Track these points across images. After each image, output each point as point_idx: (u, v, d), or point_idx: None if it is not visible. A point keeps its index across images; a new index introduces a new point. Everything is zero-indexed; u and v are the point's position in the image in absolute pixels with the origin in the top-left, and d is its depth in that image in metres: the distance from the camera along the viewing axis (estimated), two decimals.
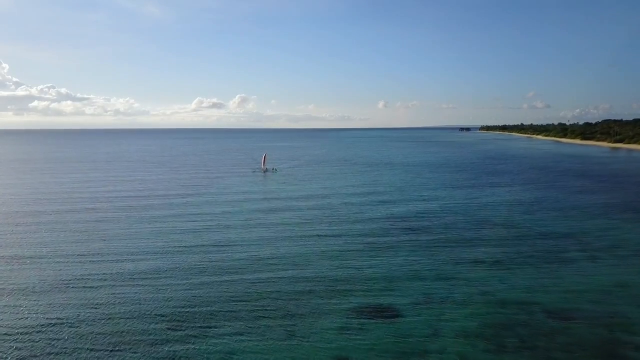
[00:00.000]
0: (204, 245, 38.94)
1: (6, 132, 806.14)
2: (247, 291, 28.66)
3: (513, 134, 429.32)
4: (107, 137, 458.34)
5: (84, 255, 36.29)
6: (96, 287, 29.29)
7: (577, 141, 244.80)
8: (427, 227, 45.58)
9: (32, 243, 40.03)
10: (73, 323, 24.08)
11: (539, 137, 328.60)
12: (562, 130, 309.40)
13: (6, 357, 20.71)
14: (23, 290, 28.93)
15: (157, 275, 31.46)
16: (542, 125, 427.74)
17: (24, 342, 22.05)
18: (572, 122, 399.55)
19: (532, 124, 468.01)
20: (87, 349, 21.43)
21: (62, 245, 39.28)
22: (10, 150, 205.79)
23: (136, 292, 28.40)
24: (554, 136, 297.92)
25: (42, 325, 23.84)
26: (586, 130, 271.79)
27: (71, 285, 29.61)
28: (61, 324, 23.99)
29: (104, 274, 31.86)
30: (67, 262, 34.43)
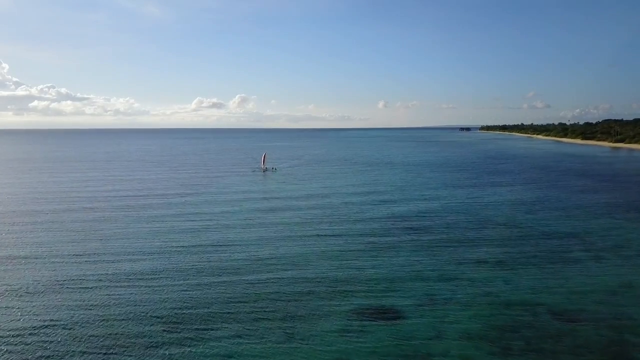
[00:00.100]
0: (202, 245, 38.37)
1: (6, 132, 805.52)
2: (245, 292, 28.09)
3: (513, 133, 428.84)
4: (107, 137, 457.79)
5: (80, 255, 35.72)
6: (91, 288, 28.70)
7: (578, 141, 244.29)
8: (428, 227, 45.02)
9: (27, 243, 39.45)
10: (67, 325, 23.49)
11: (539, 137, 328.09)
12: (563, 130, 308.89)
13: None
14: (16, 291, 28.35)
15: (154, 276, 30.87)
16: (542, 125, 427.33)
17: (16, 345, 21.46)
18: (572, 122, 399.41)
19: (532, 123, 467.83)
20: (81, 351, 20.85)
21: (58, 245, 38.71)
22: (9, 150, 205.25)
23: (132, 293, 27.82)
24: (555, 136, 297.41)
25: (35, 328, 23.25)
26: (587, 130, 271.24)
27: (66, 286, 29.03)
28: (54, 325, 23.40)
29: (100, 274, 31.27)
30: (62, 263, 33.86)
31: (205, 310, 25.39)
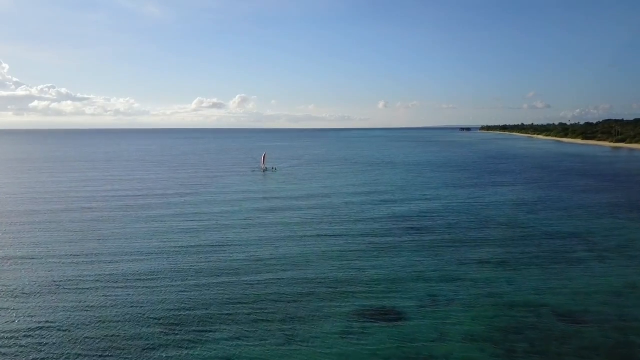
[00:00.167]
0: (201, 246, 37.94)
1: (6, 132, 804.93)
2: (245, 293, 27.65)
3: (513, 133, 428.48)
4: (106, 137, 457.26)
5: (77, 255, 35.26)
6: (88, 289, 28.25)
7: (578, 141, 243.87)
8: (430, 227, 44.60)
9: (24, 243, 39.00)
10: (62, 326, 23.05)
11: (540, 136, 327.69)
12: (563, 129, 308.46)
13: None
14: (12, 291, 27.90)
15: (152, 277, 30.44)
16: (542, 125, 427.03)
17: (10, 347, 21.02)
18: (572, 122, 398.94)
19: (532, 123, 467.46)
20: (76, 354, 20.42)
21: (55, 245, 38.26)
22: (9, 150, 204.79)
23: (129, 294, 27.39)
24: (555, 136, 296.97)
25: (29, 329, 22.80)
26: (587, 130, 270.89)
27: (62, 287, 28.57)
28: (50, 327, 22.96)
29: (97, 274, 30.84)
30: (59, 263, 33.40)
31: (204, 311, 24.97)
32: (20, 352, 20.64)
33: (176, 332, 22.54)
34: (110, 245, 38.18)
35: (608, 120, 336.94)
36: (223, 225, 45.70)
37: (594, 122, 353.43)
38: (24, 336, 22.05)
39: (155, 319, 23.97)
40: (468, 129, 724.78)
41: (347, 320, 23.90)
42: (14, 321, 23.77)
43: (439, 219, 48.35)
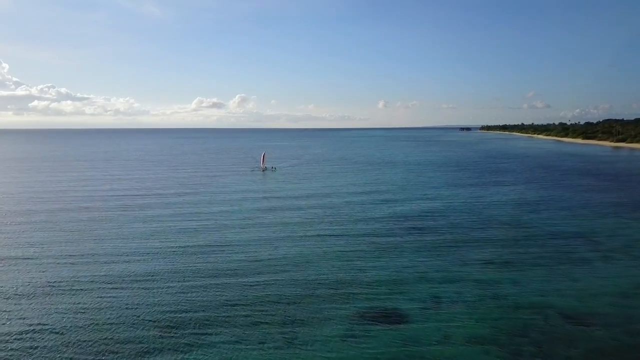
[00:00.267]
0: (199, 246, 37.30)
1: (6, 132, 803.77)
2: (244, 294, 27.02)
3: (514, 133, 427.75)
4: (106, 136, 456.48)
5: (73, 256, 34.60)
6: (83, 290, 27.59)
7: (579, 140, 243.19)
8: (432, 227, 43.99)
9: (20, 243, 38.33)
10: (56, 329, 22.40)
11: (540, 136, 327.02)
12: (564, 129, 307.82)
13: None
14: (4, 293, 27.21)
15: (149, 278, 29.79)
16: (543, 125, 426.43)
17: (0, 351, 20.36)
18: (572, 122, 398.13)
19: (532, 123, 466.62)
20: (69, 357, 19.78)
21: (50, 245, 37.60)
22: (8, 150, 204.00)
23: (126, 296, 26.74)
24: (555, 136, 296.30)
25: (22, 332, 22.13)
26: (588, 130, 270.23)
27: (56, 288, 27.90)
28: (43, 330, 22.30)
29: (92, 275, 30.18)
30: (54, 264, 32.75)
31: (202, 313, 24.33)
32: (11, 356, 19.99)
33: (173, 335, 21.92)
34: (106, 245, 37.54)
35: (608, 120, 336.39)
36: (222, 225, 45.08)
37: (594, 122, 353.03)
38: (16, 339, 21.38)
39: (152, 321, 23.34)
40: (468, 129, 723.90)
41: (349, 323, 23.30)
42: (5, 324, 23.10)
43: (440, 218, 47.74)
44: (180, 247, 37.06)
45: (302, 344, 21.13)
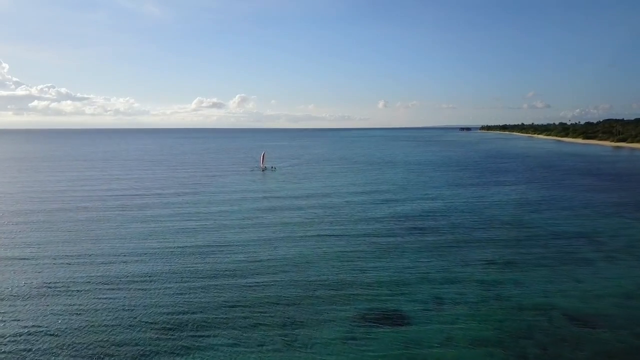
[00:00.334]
0: (198, 246, 36.84)
1: (6, 132, 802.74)
2: (243, 296, 26.56)
3: (514, 133, 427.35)
4: (106, 136, 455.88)
5: (71, 256, 34.12)
6: (80, 291, 27.11)
7: (579, 140, 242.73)
8: (433, 227, 43.55)
9: (16, 243, 37.85)
10: (51, 331, 21.94)
11: (540, 136, 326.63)
12: (564, 129, 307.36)
13: None
14: None
15: (146, 279, 29.32)
16: (543, 125, 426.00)
17: None
18: (572, 122, 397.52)
19: (533, 123, 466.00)
20: None
21: (47, 245, 37.11)
22: (8, 149, 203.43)
23: (123, 297, 26.27)
24: (556, 135, 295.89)
25: (16, 334, 21.65)
26: (588, 130, 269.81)
27: (53, 289, 27.43)
28: (38, 332, 21.82)
29: (89, 276, 29.70)
30: (50, 264, 32.24)
31: (200, 315, 23.89)
32: (5, 359, 19.54)
33: (170, 337, 21.47)
34: (104, 246, 37.07)
35: (609, 120, 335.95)
36: (221, 225, 44.63)
37: (594, 122, 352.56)
38: (10, 342, 20.91)
39: (149, 323, 22.88)
40: (468, 129, 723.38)
41: (350, 325, 22.87)
42: None
43: (442, 218, 47.31)
44: (178, 247, 36.62)
45: (302, 347, 20.70)
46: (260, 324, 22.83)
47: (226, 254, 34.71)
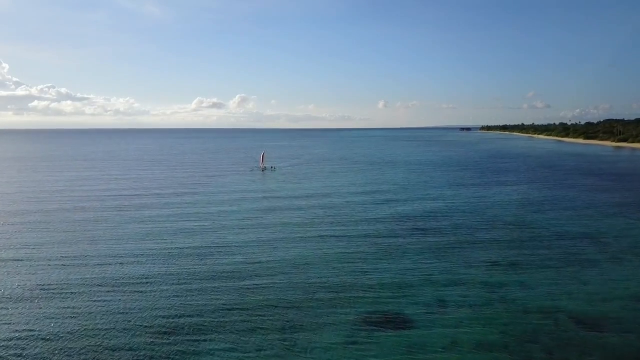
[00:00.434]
0: (195, 247, 36.22)
1: (6, 132, 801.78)
2: (241, 298, 25.93)
3: (514, 133, 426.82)
4: (106, 136, 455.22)
5: (66, 257, 33.47)
6: (75, 294, 26.47)
7: (580, 140, 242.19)
8: (435, 227, 42.95)
9: (11, 244, 37.20)
10: (44, 335, 21.30)
11: (540, 136, 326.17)
12: (564, 129, 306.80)
13: None
14: None
15: (144, 281, 28.69)
16: (543, 125, 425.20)
17: None
18: (572, 122, 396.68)
19: (533, 123, 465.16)
20: None
21: (43, 246, 36.46)
22: (7, 149, 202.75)
23: (118, 300, 25.64)
24: (556, 136, 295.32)
25: (8, 339, 21.01)
26: (589, 130, 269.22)
27: (47, 292, 26.79)
28: (30, 336, 21.17)
29: (85, 278, 29.08)
30: (45, 266, 31.60)
31: (197, 318, 23.26)
32: None
33: (166, 341, 20.85)
34: (100, 247, 36.43)
35: (609, 120, 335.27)
36: (220, 225, 44.03)
37: (594, 122, 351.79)
38: (1, 347, 20.32)
39: (144, 327, 22.25)
40: (468, 129, 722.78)
41: (351, 328, 22.26)
42: None
43: (444, 219, 46.71)
44: (176, 248, 36.00)
45: (301, 351, 20.10)
46: (258, 328, 22.22)
47: (224, 255, 34.10)
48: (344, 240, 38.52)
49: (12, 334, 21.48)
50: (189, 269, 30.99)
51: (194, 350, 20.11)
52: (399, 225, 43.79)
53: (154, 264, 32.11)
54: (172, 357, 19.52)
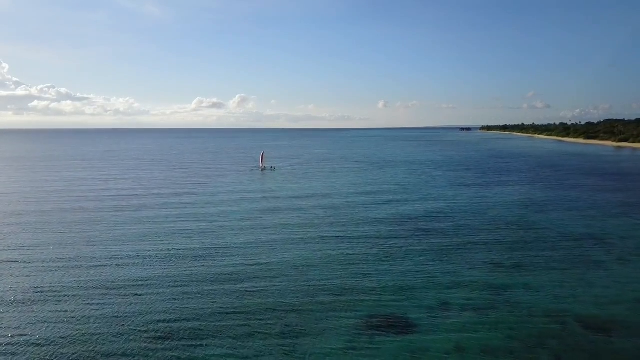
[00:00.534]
0: (194, 249, 35.56)
1: (6, 132, 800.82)
2: (240, 302, 25.28)
3: (514, 133, 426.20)
4: (106, 136, 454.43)
5: (62, 259, 32.82)
6: (69, 297, 25.82)
7: (580, 140, 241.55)
8: (437, 228, 42.32)
9: (5, 245, 36.49)
10: (36, 341, 20.65)
11: (541, 136, 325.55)
12: (565, 129, 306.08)
13: None
14: None
15: (140, 284, 28.03)
16: (543, 125, 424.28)
17: None
18: (572, 122, 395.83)
19: (533, 123, 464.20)
20: None
21: (38, 248, 35.80)
22: (7, 149, 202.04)
23: (115, 303, 25.00)
24: (557, 136, 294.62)
25: None
26: (589, 130, 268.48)
27: (40, 295, 26.14)
28: (22, 342, 20.48)
29: (80, 281, 28.42)
30: (40, 268, 30.94)
31: (195, 322, 22.61)
32: None
33: (162, 347, 20.21)
34: (97, 248, 35.76)
35: (609, 120, 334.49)
36: (218, 226, 43.39)
37: (595, 122, 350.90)
38: None
39: (140, 331, 21.61)
40: (468, 129, 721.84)
41: (352, 332, 21.64)
42: None
43: (445, 219, 46.08)
44: (174, 249, 35.36)
45: (302, 356, 19.49)
46: (257, 332, 21.59)
47: (223, 257, 33.47)
48: (344, 241, 37.89)
49: (3, 339, 20.81)
50: (187, 271, 30.36)
51: (190, 355, 19.48)
52: (401, 226, 43.17)
53: (151, 266, 31.48)
54: None
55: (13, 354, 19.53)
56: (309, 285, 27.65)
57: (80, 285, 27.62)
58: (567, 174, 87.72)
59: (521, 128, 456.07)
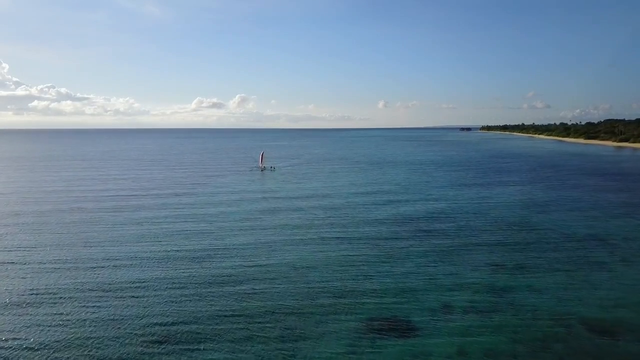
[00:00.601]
0: (193, 250, 35.16)
1: (6, 132, 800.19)
2: (239, 304, 24.87)
3: (514, 133, 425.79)
4: (106, 136, 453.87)
5: (58, 261, 32.38)
6: (65, 299, 25.40)
7: (581, 140, 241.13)
8: (438, 229, 41.92)
9: (2, 247, 36.09)
10: (30, 344, 20.24)
11: (541, 136, 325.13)
12: (565, 129, 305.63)
13: None
14: None
15: (138, 286, 27.63)
16: (544, 125, 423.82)
17: None
18: (572, 122, 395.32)
19: (533, 123, 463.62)
20: None
21: (35, 249, 35.39)
22: (6, 149, 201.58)
23: (111, 306, 24.58)
24: (557, 136, 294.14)
25: None
26: (590, 130, 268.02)
27: (36, 297, 25.72)
28: (17, 346, 20.08)
29: (77, 283, 28.00)
30: (37, 269, 30.52)
31: (193, 326, 22.21)
32: None
33: (160, 351, 19.80)
34: (94, 249, 35.34)
35: (610, 120, 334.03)
36: (218, 227, 42.98)
37: (595, 122, 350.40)
38: None
39: (137, 335, 21.20)
40: (468, 129, 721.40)
41: (353, 336, 21.24)
42: None
43: (447, 220, 45.68)
44: (172, 250, 34.96)
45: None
46: (257, 336, 21.18)
47: (222, 258, 33.06)
48: (345, 242, 37.49)
49: None
50: (185, 272, 29.95)
51: (189, 359, 19.08)
52: (402, 227, 42.78)
53: (149, 267, 31.08)
54: None
55: (6, 358, 19.12)
56: (309, 287, 27.25)
57: (76, 287, 27.21)
58: (568, 174, 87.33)
59: (521, 128, 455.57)
